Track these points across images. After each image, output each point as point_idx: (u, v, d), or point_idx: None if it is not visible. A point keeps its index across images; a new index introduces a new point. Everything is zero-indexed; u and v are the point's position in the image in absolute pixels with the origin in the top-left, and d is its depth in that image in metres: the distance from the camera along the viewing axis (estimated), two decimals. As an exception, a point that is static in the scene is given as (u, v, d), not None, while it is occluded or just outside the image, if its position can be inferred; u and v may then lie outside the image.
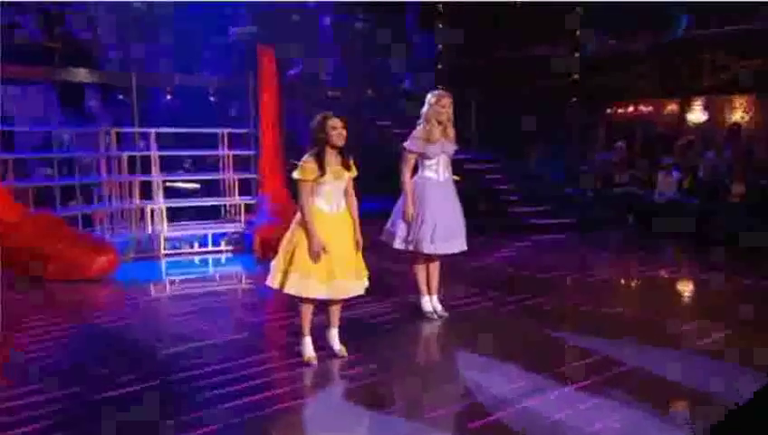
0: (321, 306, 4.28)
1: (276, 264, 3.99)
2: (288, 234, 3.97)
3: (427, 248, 4.74)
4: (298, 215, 3.90)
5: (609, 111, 12.14)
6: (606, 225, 9.92)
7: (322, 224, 3.84)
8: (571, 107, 11.20)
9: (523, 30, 11.49)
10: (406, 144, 4.65)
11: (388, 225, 4.85)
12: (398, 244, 4.80)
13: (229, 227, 8.57)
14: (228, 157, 8.85)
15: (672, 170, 9.93)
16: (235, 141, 8.88)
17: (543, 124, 10.50)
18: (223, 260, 7.96)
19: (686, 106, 11.37)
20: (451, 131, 4.71)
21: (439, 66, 12.20)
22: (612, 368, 4.30)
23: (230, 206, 8.92)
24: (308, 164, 3.79)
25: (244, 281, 6.97)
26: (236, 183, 8.80)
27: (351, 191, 4.00)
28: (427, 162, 4.72)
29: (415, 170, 4.81)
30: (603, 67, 11.36)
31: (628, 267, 7.72)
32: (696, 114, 11.26)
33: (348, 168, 3.87)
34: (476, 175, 9.97)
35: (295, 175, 3.87)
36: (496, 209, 9.92)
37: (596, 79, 11.53)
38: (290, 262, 3.84)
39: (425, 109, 4.72)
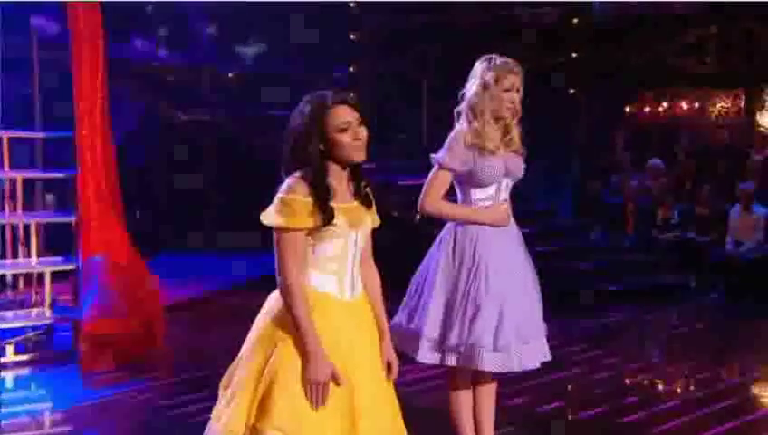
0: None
1: (226, 415, 3.06)
2: (247, 349, 3.12)
3: (489, 361, 3.97)
4: (273, 302, 3.06)
5: (630, 108, 12.05)
6: (665, 293, 9.04)
7: (330, 323, 2.99)
8: (574, 98, 11.03)
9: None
10: (439, 156, 4.00)
11: (402, 317, 4.11)
12: (426, 354, 4.07)
13: (20, 319, 7.25)
14: (17, 182, 7.28)
15: (753, 205, 9.35)
16: (21, 154, 7.71)
17: (533, 126, 9.21)
18: (9, 385, 6.51)
19: (755, 101, 11.18)
20: (517, 135, 4.04)
21: (352, 37, 11.75)
22: None
23: (21, 277, 7.73)
24: (297, 197, 2.93)
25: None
26: (36, 233, 7.34)
27: (370, 253, 3.21)
28: (479, 193, 4.05)
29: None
30: (621, 38, 11.03)
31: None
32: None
33: (369, 204, 3.11)
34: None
35: (271, 219, 2.97)
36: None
37: (610, 56, 11.23)
38: (263, 411, 2.94)
39: (471, 92, 3.98)
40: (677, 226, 9.98)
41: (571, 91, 11.46)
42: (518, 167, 4.12)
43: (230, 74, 11.59)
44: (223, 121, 10.17)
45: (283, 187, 3.00)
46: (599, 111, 11.90)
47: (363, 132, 3.01)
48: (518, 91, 3.99)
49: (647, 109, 12.19)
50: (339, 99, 3.01)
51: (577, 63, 11.34)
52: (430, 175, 4.06)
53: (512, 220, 4.13)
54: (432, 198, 4.08)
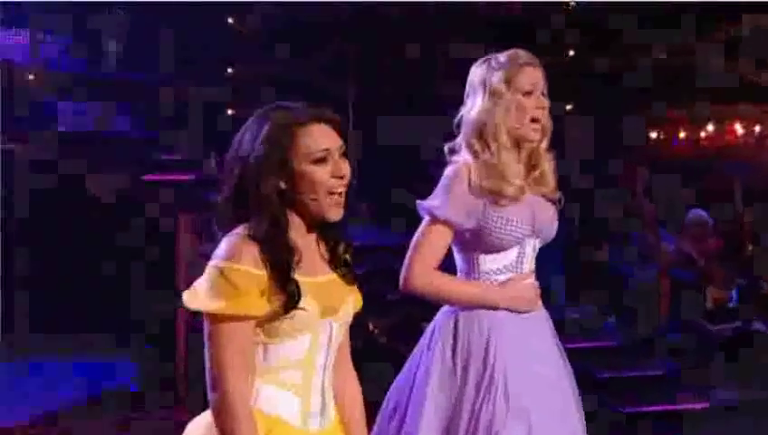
0: None
1: None
2: None
3: None
4: (199, 433, 2.98)
5: (656, 134, 11.92)
6: (720, 413, 8.24)
7: None
8: (567, 119, 9.69)
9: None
10: (432, 203, 3.79)
11: None
12: None
13: None
14: None
15: None
16: None
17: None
18: None
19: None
20: (549, 168, 3.85)
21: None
22: None
23: None
24: (242, 267, 2.76)
25: None
26: None
27: (348, 354, 3.10)
28: (492, 260, 3.86)
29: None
30: (637, 30, 10.12)
31: None
32: None
33: (351, 277, 2.94)
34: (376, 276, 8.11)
35: (203, 301, 2.80)
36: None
37: (621, 56, 10.67)
38: None
39: (475, 110, 3.78)
40: (736, 311, 9.14)
41: (567, 107, 10.46)
42: (550, 219, 4.02)
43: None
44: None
45: (220, 250, 2.80)
46: (605, 137, 10.91)
47: (345, 168, 2.86)
48: (544, 93, 3.88)
49: (681, 135, 11.65)
50: (314, 115, 2.86)
51: (569, 68, 10.44)
52: (418, 233, 3.89)
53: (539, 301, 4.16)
54: (422, 268, 3.92)
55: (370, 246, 8.07)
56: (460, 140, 3.82)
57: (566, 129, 8.09)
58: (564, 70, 10.25)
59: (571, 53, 10.68)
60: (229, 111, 9.87)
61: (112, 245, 9.30)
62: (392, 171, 10.51)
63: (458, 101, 3.92)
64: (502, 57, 3.83)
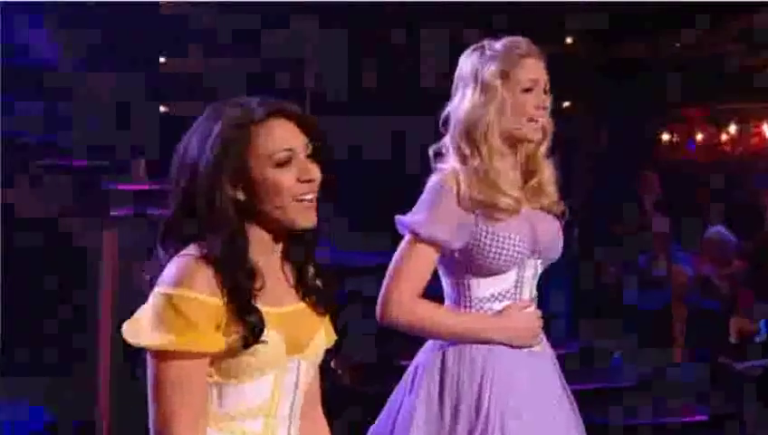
0: None
1: None
2: None
3: None
4: None
5: (668, 136, 11.72)
6: None
7: None
8: (566, 120, 9.20)
9: None
10: (413, 219, 3.64)
11: None
12: None
13: None
14: None
15: None
16: None
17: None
18: None
19: None
20: (551, 177, 3.74)
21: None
22: None
23: None
24: (193, 294, 2.61)
25: None
26: None
27: (318, 397, 2.94)
28: (486, 285, 3.74)
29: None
30: (646, 17, 10.23)
31: None
32: None
33: (323, 306, 2.79)
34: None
35: (147, 336, 2.65)
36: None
37: (627, 48, 10.76)
38: None
39: (464, 107, 3.65)
40: (765, 347, 8.64)
41: (564, 104, 9.89)
42: (553, 236, 3.79)
43: None
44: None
45: (168, 274, 2.64)
46: (609, 139, 11.04)
47: (315, 171, 2.68)
48: (546, 90, 3.69)
49: (698, 137, 11.28)
50: (274, 109, 2.67)
51: (568, 60, 10.15)
52: (398, 254, 3.66)
53: (542, 335, 3.92)
54: (403, 295, 3.68)
55: (335, 267, 7.47)
56: (447, 140, 3.63)
57: (562, 129, 8.66)
58: (562, 59, 9.53)
59: (569, 40, 10.43)
60: (162, 109, 9.43)
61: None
62: (363, 179, 9.89)
63: (446, 96, 3.77)
64: (498, 45, 3.65)
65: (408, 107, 9.43)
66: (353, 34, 10.44)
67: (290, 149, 2.61)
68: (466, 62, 3.69)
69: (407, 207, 3.64)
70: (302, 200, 2.59)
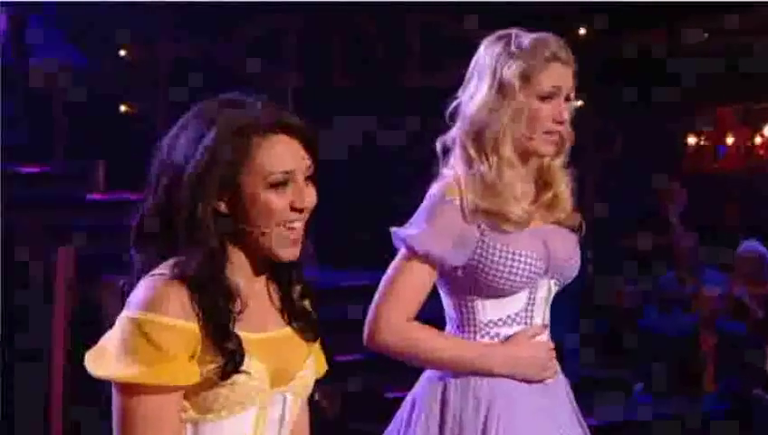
0: None
1: None
2: None
3: None
4: None
5: (694, 139, 11.54)
6: None
7: None
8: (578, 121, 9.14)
9: None
10: (408, 232, 3.55)
11: None
12: None
13: None
14: None
15: None
16: None
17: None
18: None
19: None
20: (567, 190, 3.60)
21: None
22: None
23: None
24: (165, 319, 2.56)
25: None
26: None
27: (306, 427, 2.83)
28: (493, 308, 3.66)
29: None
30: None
31: None
32: None
33: (311, 332, 2.67)
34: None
35: (113, 367, 2.61)
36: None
37: (644, 39, 10.66)
38: None
39: (474, 105, 3.54)
40: None
41: (577, 104, 9.96)
42: (569, 253, 3.66)
43: None
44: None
45: (137, 296, 2.59)
46: (625, 144, 10.76)
47: (310, 198, 2.62)
48: (569, 97, 3.48)
49: (729, 140, 10.98)
50: (281, 122, 2.59)
51: (581, 52, 9.64)
52: (391, 271, 3.56)
53: (556, 365, 3.72)
54: (395, 318, 3.58)
55: (318, 288, 7.64)
56: (454, 133, 3.52)
57: (575, 132, 8.25)
58: (575, 54, 9.49)
59: (582, 31, 10.21)
60: (122, 108, 9.38)
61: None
62: (349, 187, 9.64)
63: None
64: (525, 41, 3.42)
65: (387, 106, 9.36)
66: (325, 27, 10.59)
67: (289, 172, 2.52)
68: (487, 52, 3.47)
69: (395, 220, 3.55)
70: (289, 228, 2.49)
